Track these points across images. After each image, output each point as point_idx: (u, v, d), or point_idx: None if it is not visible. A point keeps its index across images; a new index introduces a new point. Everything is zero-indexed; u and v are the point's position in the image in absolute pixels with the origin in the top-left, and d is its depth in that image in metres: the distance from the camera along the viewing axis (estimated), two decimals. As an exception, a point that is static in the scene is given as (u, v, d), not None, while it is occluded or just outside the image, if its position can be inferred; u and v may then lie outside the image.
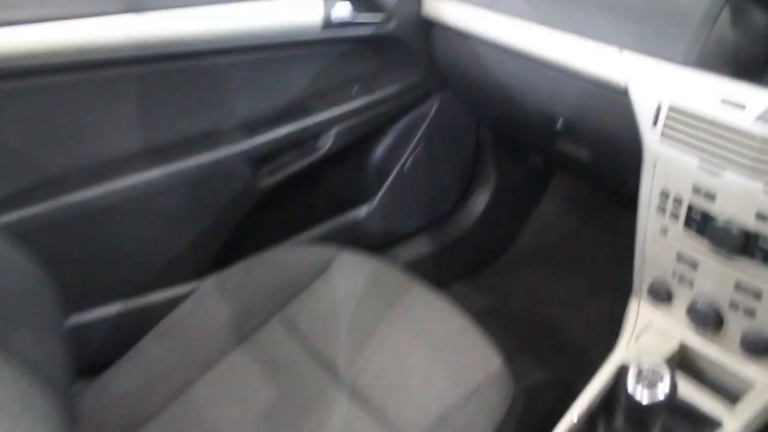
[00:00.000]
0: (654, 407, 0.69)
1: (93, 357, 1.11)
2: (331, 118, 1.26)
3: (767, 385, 0.83)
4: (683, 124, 0.78)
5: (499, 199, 1.62)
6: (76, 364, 0.85)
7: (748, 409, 0.81)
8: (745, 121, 0.72)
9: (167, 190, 1.10)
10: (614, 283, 1.57)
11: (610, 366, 0.90)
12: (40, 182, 1.00)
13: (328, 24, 1.17)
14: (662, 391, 0.69)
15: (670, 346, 0.91)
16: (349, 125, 1.29)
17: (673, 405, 0.71)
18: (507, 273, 1.72)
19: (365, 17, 1.21)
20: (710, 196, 0.77)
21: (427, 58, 1.33)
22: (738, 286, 0.79)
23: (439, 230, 1.62)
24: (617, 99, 0.88)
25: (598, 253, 1.69)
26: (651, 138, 0.83)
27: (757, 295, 0.78)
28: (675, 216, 0.83)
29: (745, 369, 0.84)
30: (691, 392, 0.85)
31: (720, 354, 0.87)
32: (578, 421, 0.84)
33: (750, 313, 0.80)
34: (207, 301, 1.04)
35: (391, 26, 1.24)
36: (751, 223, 0.74)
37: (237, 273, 1.09)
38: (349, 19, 1.19)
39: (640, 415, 0.71)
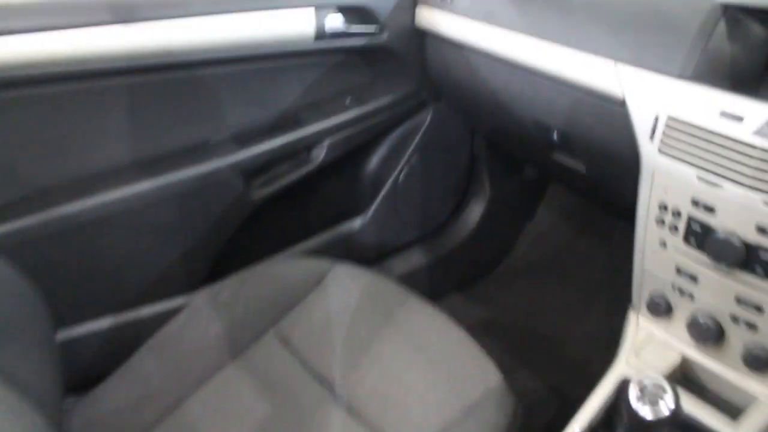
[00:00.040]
0: (657, 423, 0.68)
1: (83, 372, 1.09)
2: (324, 130, 1.25)
3: (770, 399, 0.82)
4: (681, 136, 0.77)
5: (493, 211, 1.62)
6: (66, 380, 0.84)
7: (751, 424, 0.80)
8: (744, 133, 0.71)
9: (159, 202, 1.09)
10: (610, 294, 1.57)
11: (610, 380, 0.89)
12: (28, 195, 0.99)
13: (320, 35, 1.17)
14: (666, 407, 0.68)
15: (670, 360, 0.90)
16: (343, 137, 1.28)
17: (676, 420, 0.70)
18: (502, 285, 1.71)
19: (358, 28, 1.21)
20: (709, 209, 0.77)
21: (421, 69, 1.32)
22: (739, 300, 0.78)
23: (433, 242, 1.61)
24: (614, 110, 0.88)
25: (593, 264, 1.69)
26: (649, 150, 0.82)
27: (759, 308, 0.77)
28: (674, 229, 0.83)
29: (748, 383, 0.83)
30: (692, 407, 0.83)
31: (721, 368, 0.86)
32: (579, 436, 0.83)
33: (751, 326, 0.79)
34: (200, 315, 1.03)
35: (384, 37, 1.24)
36: (751, 235, 0.73)
37: (230, 286, 1.08)
38: (341, 30, 1.19)
39: (643, 430, 0.70)
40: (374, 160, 1.40)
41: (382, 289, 1.05)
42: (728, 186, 0.73)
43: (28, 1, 0.92)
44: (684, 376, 0.91)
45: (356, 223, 1.44)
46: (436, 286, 1.62)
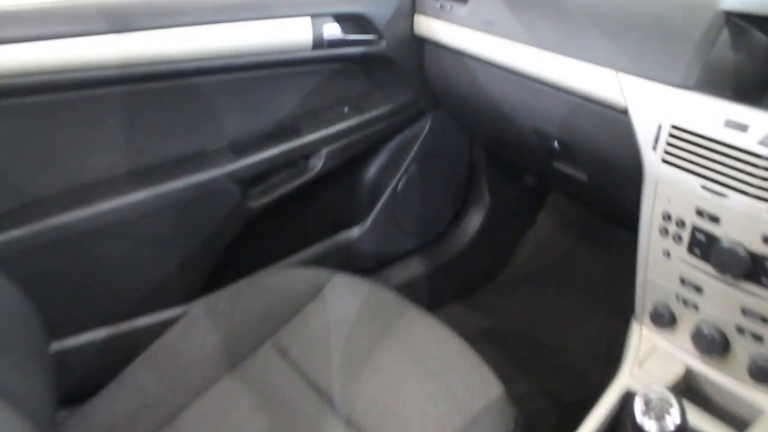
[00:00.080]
0: (663, 438, 0.67)
1: (77, 384, 1.09)
2: (322, 139, 1.24)
3: (776, 412, 0.81)
4: (685, 145, 0.76)
5: (493, 219, 1.61)
6: (60, 392, 0.83)
7: (757, 437, 0.79)
8: (749, 142, 0.70)
9: (155, 211, 1.08)
10: (611, 302, 1.57)
11: (614, 392, 0.87)
12: (22, 204, 0.98)
13: (318, 43, 1.16)
14: (672, 421, 0.66)
15: (674, 372, 0.88)
16: (341, 145, 1.27)
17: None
18: (502, 294, 1.70)
19: (356, 36, 1.20)
20: (714, 219, 0.76)
21: (419, 77, 1.32)
22: (745, 311, 0.77)
23: (432, 251, 1.60)
24: (616, 119, 0.87)
25: (594, 272, 1.68)
26: (652, 159, 0.81)
27: (765, 319, 0.76)
28: (678, 239, 0.82)
29: (753, 395, 0.82)
30: (697, 419, 0.82)
31: (727, 380, 0.85)
32: (582, 449, 0.82)
33: (757, 338, 0.78)
34: (196, 326, 1.01)
35: (382, 45, 1.23)
36: (757, 246, 0.72)
37: (227, 297, 1.07)
38: (340, 38, 1.18)
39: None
40: (372, 169, 1.40)
41: (381, 299, 1.04)
42: (733, 196, 0.72)
43: (23, 9, 0.92)
44: (688, 388, 0.90)
45: (354, 232, 1.43)
46: (435, 295, 1.61)
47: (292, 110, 1.22)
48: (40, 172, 0.99)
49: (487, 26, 1.08)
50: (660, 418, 0.67)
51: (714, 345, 0.83)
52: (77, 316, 1.10)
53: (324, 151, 1.25)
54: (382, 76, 1.31)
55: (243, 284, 1.09)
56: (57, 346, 1.08)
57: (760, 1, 0.72)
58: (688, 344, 0.87)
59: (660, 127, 0.79)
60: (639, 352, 0.93)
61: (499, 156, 1.54)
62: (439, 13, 1.19)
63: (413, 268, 1.56)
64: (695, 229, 0.79)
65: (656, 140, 0.80)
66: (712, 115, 0.74)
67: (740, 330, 0.79)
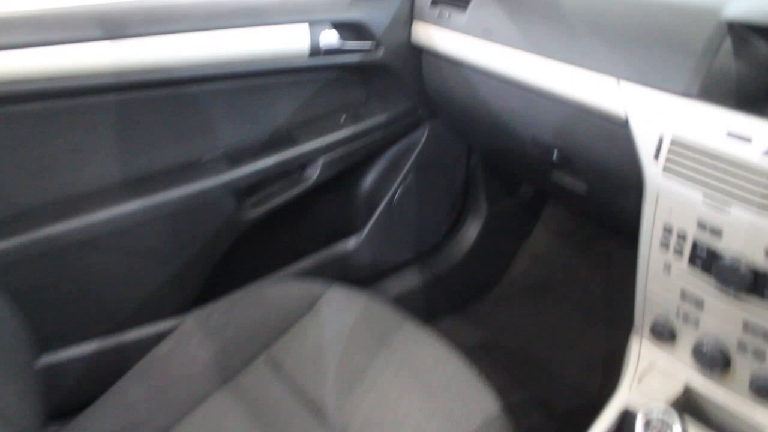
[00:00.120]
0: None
1: (66, 399, 1.07)
2: (319, 148, 1.23)
3: (778, 430, 0.79)
4: (687, 157, 0.75)
5: (490, 230, 1.60)
6: (49, 407, 0.81)
7: (759, 456, 0.78)
8: (752, 154, 0.69)
9: (147, 222, 1.07)
10: (609, 315, 1.55)
11: (613, 409, 0.86)
12: (11, 215, 0.97)
13: (315, 51, 1.16)
14: (674, 441, 0.65)
15: (674, 389, 0.87)
16: (337, 155, 1.26)
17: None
18: (499, 306, 1.69)
19: (353, 44, 1.20)
20: (716, 232, 0.74)
21: (417, 86, 1.31)
22: (746, 327, 0.76)
23: (429, 262, 1.59)
24: (616, 130, 0.86)
25: (591, 284, 1.67)
26: (653, 171, 0.80)
27: (767, 336, 0.74)
28: (679, 252, 0.80)
29: (755, 413, 0.81)
30: (698, 437, 0.81)
31: (728, 397, 0.83)
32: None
33: (759, 354, 0.76)
34: (188, 339, 1.00)
35: (380, 53, 1.23)
36: (760, 260, 0.71)
37: (220, 309, 1.05)
38: (337, 46, 1.18)
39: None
40: (369, 179, 1.39)
41: (378, 312, 1.02)
42: (736, 209, 0.71)
43: (15, 15, 0.91)
44: (688, 404, 0.88)
45: (350, 243, 1.42)
46: (431, 306, 1.60)
47: (288, 119, 1.21)
48: (30, 182, 0.98)
49: (486, 34, 1.07)
50: (662, 436, 0.66)
51: (715, 361, 0.81)
52: (67, 328, 1.08)
53: (320, 161, 1.24)
54: (380, 85, 1.30)
55: (237, 296, 1.07)
56: (46, 359, 1.06)
57: (763, 11, 0.71)
58: (689, 360, 0.86)
59: (661, 138, 0.78)
60: (638, 367, 0.92)
61: (497, 166, 1.53)
62: (438, 21, 1.18)
63: (409, 279, 1.55)
64: (696, 242, 0.77)
65: (657, 151, 0.78)
66: (714, 126, 0.73)
67: (742, 346, 0.78)
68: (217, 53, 1.06)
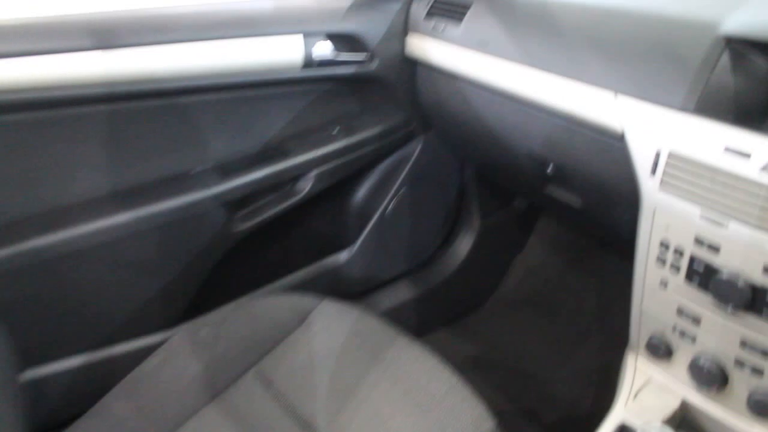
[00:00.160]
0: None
1: (52, 415, 1.06)
2: (311, 160, 1.22)
3: (776, 448, 0.78)
4: (684, 172, 0.75)
5: (483, 243, 1.60)
6: (33, 423, 0.79)
7: (756, 475, 0.77)
8: (750, 170, 0.68)
9: (136, 234, 1.06)
10: (603, 329, 1.55)
11: (608, 426, 0.85)
12: None
13: (308, 62, 1.15)
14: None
15: (671, 405, 0.86)
16: (330, 167, 1.25)
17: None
18: (491, 319, 1.68)
19: (347, 56, 1.19)
20: (714, 248, 0.74)
21: (411, 99, 1.31)
22: (744, 343, 0.75)
23: (421, 276, 1.58)
24: (613, 144, 0.85)
25: (585, 298, 1.66)
26: (649, 186, 0.79)
27: (765, 353, 0.73)
28: (675, 268, 0.79)
29: (752, 431, 0.79)
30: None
31: (725, 414, 0.82)
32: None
33: (757, 371, 0.75)
34: (177, 354, 0.99)
35: (374, 65, 1.22)
36: (758, 277, 0.70)
37: (210, 323, 1.04)
38: (330, 58, 1.17)
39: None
40: (362, 192, 1.38)
41: (370, 327, 1.01)
42: (734, 225, 0.70)
43: (2, 24, 0.89)
44: (684, 421, 0.88)
45: (342, 256, 1.41)
46: (423, 320, 1.59)
47: (280, 131, 1.20)
48: (16, 193, 0.96)
49: (482, 46, 1.07)
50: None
51: (712, 378, 0.80)
52: (53, 342, 1.07)
53: (312, 174, 1.23)
54: (373, 97, 1.29)
55: (226, 310, 1.06)
56: (31, 373, 1.04)
57: (761, 27, 0.71)
58: (685, 376, 0.85)
59: (658, 153, 0.77)
60: (634, 383, 0.91)
61: (491, 179, 1.53)
62: (433, 33, 1.18)
63: (402, 292, 1.54)
64: (694, 259, 0.77)
65: (654, 166, 0.78)
66: (711, 141, 0.72)
67: (739, 363, 0.77)
68: (209, 64, 1.05)
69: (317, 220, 1.36)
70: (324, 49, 1.16)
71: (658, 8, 0.84)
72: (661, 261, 0.81)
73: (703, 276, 0.76)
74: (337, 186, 1.30)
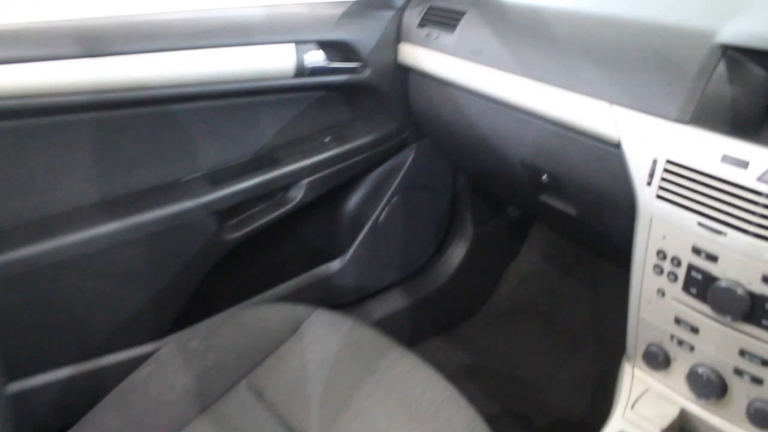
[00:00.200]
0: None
1: (39, 427, 1.05)
2: (303, 169, 1.21)
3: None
4: (681, 180, 0.74)
5: (476, 252, 1.59)
6: None
7: (756, 487, 0.76)
8: (748, 179, 0.68)
9: (125, 244, 1.04)
10: (597, 337, 1.54)
11: (606, 436, 0.84)
12: None
13: (300, 70, 1.15)
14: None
15: (669, 415, 0.85)
16: (322, 176, 1.24)
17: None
18: (485, 328, 1.67)
19: (340, 64, 1.18)
20: (712, 257, 0.73)
21: (404, 107, 1.31)
22: (743, 353, 0.74)
23: (414, 284, 1.58)
24: (609, 152, 0.85)
25: (579, 306, 1.66)
26: (646, 194, 0.79)
27: (765, 362, 0.73)
28: (673, 277, 0.79)
29: (752, 441, 0.79)
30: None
31: (724, 424, 0.81)
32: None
33: (757, 380, 0.75)
34: (167, 365, 0.97)
35: (366, 74, 1.22)
36: (756, 286, 0.70)
37: (200, 334, 1.03)
38: (322, 66, 1.16)
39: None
40: (354, 201, 1.37)
41: (363, 337, 1.00)
42: (732, 233, 0.70)
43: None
44: (683, 431, 0.87)
45: (334, 265, 1.40)
46: (416, 329, 1.58)
47: (271, 139, 1.20)
48: (3, 202, 0.95)
49: (475, 56, 1.06)
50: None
51: (711, 387, 0.79)
52: (39, 354, 1.05)
53: (304, 182, 1.22)
54: (365, 106, 1.29)
55: (217, 320, 1.05)
56: (17, 386, 1.03)
57: (757, 35, 0.71)
58: (683, 386, 0.84)
59: (655, 162, 0.77)
60: (631, 392, 0.90)
61: (484, 188, 1.52)
62: (426, 42, 1.18)
63: (394, 302, 1.53)
64: (691, 268, 0.76)
65: (651, 175, 0.77)
66: (708, 150, 0.72)
67: (739, 372, 0.76)
68: (200, 72, 1.04)
69: (309, 228, 1.35)
70: (316, 57, 1.16)
71: (654, 17, 0.83)
72: (659, 270, 0.80)
73: (701, 285, 0.75)
74: (329, 195, 1.29)
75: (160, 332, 1.16)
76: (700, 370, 0.80)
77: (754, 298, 0.70)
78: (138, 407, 0.91)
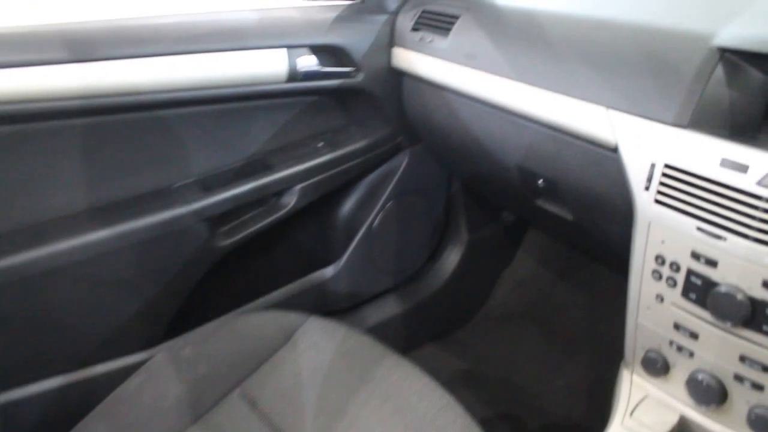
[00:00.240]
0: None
1: None
2: (296, 175, 1.20)
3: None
4: (680, 185, 0.73)
5: (471, 257, 1.59)
6: None
7: (758, 494, 0.75)
8: (747, 183, 0.67)
9: (115, 251, 1.03)
10: (593, 342, 1.54)
11: (606, 444, 0.83)
12: None
13: (293, 75, 1.14)
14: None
15: (669, 422, 0.84)
16: (315, 182, 1.23)
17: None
18: (480, 334, 1.67)
19: (333, 68, 1.18)
20: (711, 263, 0.72)
21: (397, 111, 1.30)
22: (744, 358, 0.74)
23: (409, 290, 1.57)
24: (606, 156, 0.84)
25: (575, 311, 1.66)
26: (644, 199, 0.78)
27: (766, 368, 0.72)
28: (672, 283, 0.78)
29: (753, 448, 0.78)
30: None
31: (724, 430, 0.80)
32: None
33: (757, 387, 0.74)
34: (158, 374, 0.96)
35: (359, 78, 1.21)
36: (757, 291, 0.69)
37: (192, 342, 1.02)
38: (315, 70, 1.15)
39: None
40: (348, 206, 1.36)
41: (358, 344, 0.99)
42: (731, 238, 0.69)
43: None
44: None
45: (328, 271, 1.39)
46: (411, 335, 1.57)
47: (264, 145, 1.19)
48: None
49: (469, 60, 1.06)
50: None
51: (710, 394, 0.79)
52: (28, 364, 1.03)
53: (297, 188, 1.21)
54: (359, 110, 1.28)
55: (209, 328, 1.04)
56: (5, 396, 1.01)
57: (755, 38, 0.70)
58: (683, 393, 0.83)
59: (653, 166, 0.76)
60: (630, 399, 0.89)
61: (478, 193, 1.52)
62: (419, 46, 1.17)
63: (389, 308, 1.52)
64: (691, 273, 0.75)
65: (649, 180, 0.76)
66: (707, 154, 0.71)
67: (739, 378, 0.75)
68: (191, 77, 1.03)
69: (302, 235, 1.34)
70: (309, 61, 1.15)
71: (650, 19, 0.83)
72: (657, 275, 0.80)
73: (701, 291, 0.75)
74: (323, 200, 1.28)
75: (151, 341, 1.14)
76: (700, 377, 0.79)
77: (755, 304, 0.69)
78: (129, 417, 0.90)
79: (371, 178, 1.36)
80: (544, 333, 1.63)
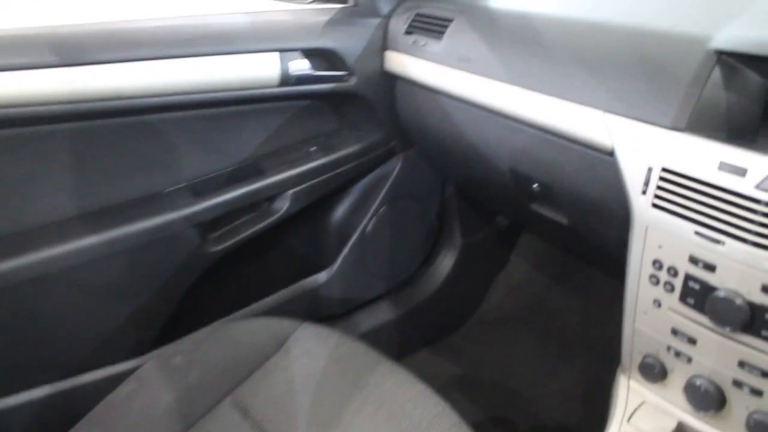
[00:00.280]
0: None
1: None
2: (288, 179, 1.19)
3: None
4: (677, 189, 0.73)
5: (464, 262, 1.58)
6: None
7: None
8: (746, 186, 0.67)
9: (105, 257, 1.02)
10: (588, 347, 1.53)
11: (603, 452, 0.82)
12: None
13: (285, 79, 1.13)
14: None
15: (666, 428, 0.83)
16: (307, 187, 1.22)
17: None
18: (474, 339, 1.66)
19: (325, 72, 1.17)
20: (709, 267, 0.71)
21: (391, 115, 1.29)
22: (742, 364, 0.73)
23: (402, 295, 1.56)
24: (602, 160, 0.83)
25: (569, 315, 1.65)
26: (641, 203, 0.77)
27: (765, 373, 0.71)
28: (669, 287, 0.77)
29: (752, 455, 0.77)
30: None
31: (723, 437, 0.80)
32: None
33: (756, 392, 0.73)
34: (149, 382, 0.95)
35: (352, 82, 1.21)
36: (756, 296, 0.68)
37: (183, 349, 1.01)
38: (308, 74, 1.15)
39: None
40: (341, 211, 1.35)
41: (351, 351, 0.98)
42: (730, 242, 0.68)
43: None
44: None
45: (321, 277, 1.38)
46: (405, 341, 1.56)
47: (256, 149, 1.18)
48: None
49: (463, 63, 1.05)
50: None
51: (709, 399, 0.78)
52: (16, 373, 1.02)
53: (289, 193, 1.20)
54: (352, 114, 1.27)
55: (200, 335, 1.03)
56: (-7, 406, 1.00)
57: (752, 40, 0.70)
58: (681, 399, 0.82)
59: (650, 170, 0.75)
60: (627, 405, 0.88)
61: (472, 196, 1.51)
62: (413, 50, 1.16)
63: (382, 313, 1.51)
64: (689, 278, 0.74)
65: (646, 183, 0.76)
66: (705, 157, 0.70)
67: (738, 384, 0.75)
68: (182, 80, 1.02)
69: (295, 240, 1.33)
70: (301, 65, 1.14)
71: (646, 22, 0.82)
72: (654, 280, 0.79)
73: (699, 295, 0.74)
74: (315, 205, 1.27)
75: (142, 348, 1.13)
76: (698, 382, 0.78)
77: (754, 308, 0.69)
78: (119, 426, 0.89)
79: (364, 182, 1.35)
80: (538, 337, 1.63)
